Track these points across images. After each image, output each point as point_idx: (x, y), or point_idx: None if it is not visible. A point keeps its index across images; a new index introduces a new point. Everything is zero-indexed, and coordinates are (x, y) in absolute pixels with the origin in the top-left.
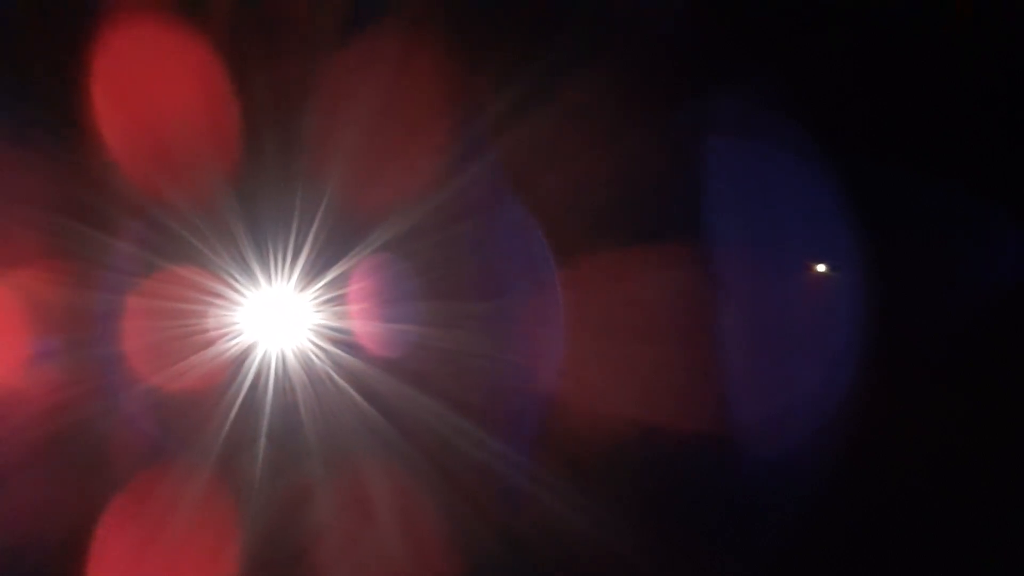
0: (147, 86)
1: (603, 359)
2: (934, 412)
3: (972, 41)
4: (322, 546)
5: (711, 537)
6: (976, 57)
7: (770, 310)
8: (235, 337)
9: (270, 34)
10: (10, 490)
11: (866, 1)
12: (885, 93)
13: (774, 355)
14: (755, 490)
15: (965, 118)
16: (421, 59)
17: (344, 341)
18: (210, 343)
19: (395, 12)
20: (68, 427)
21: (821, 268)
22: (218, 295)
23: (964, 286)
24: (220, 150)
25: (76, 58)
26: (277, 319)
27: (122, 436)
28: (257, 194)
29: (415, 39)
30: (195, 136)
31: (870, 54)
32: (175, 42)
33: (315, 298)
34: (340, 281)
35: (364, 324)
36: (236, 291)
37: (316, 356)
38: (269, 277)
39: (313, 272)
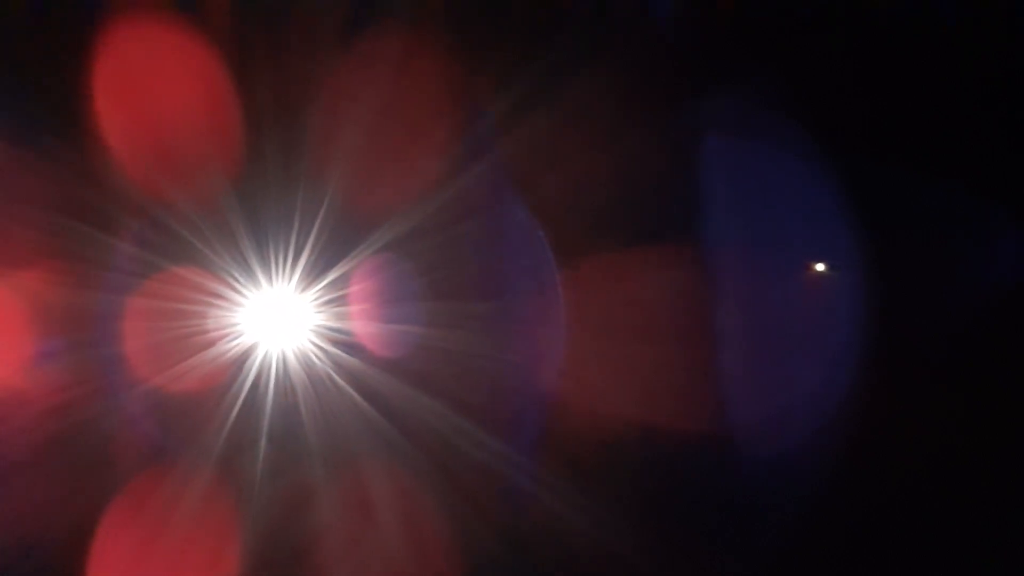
0: (148, 86)
1: (604, 359)
2: (934, 412)
3: (972, 41)
4: (323, 546)
5: (711, 537)
6: (976, 57)
7: (770, 310)
8: (236, 338)
9: (271, 35)
10: (12, 490)
11: (866, 1)
12: (885, 93)
13: (774, 355)
14: (755, 490)
15: (965, 118)
16: (422, 60)
17: (345, 342)
18: (211, 344)
19: (396, 13)
20: (69, 428)
21: (821, 268)
22: (219, 296)
23: (964, 286)
24: (221, 150)
25: (78, 58)
26: (278, 320)
27: (123, 437)
28: (258, 194)
29: (416, 40)
30: (196, 136)
31: (870, 54)
32: (177, 42)
33: (316, 299)
34: (341, 282)
35: (365, 325)
36: (237, 292)
37: (317, 357)
38: (270, 278)
39: (314, 273)
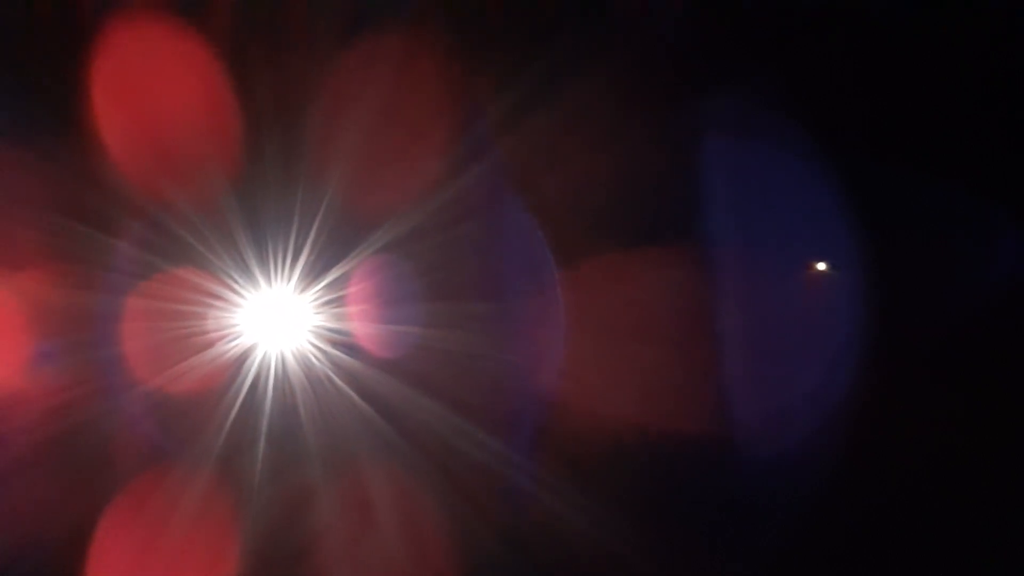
0: (148, 87)
1: (603, 360)
2: (934, 412)
3: (972, 41)
4: (323, 547)
5: (711, 537)
6: (976, 57)
7: (770, 310)
8: (235, 338)
9: (271, 35)
10: (12, 491)
11: (866, 1)
12: (885, 93)
13: (774, 355)
14: (755, 490)
15: (965, 118)
16: (422, 60)
17: (344, 342)
18: (210, 344)
19: (396, 14)
20: (69, 428)
21: (821, 268)
22: (218, 296)
23: (964, 286)
24: (220, 151)
25: (77, 59)
26: (277, 320)
27: (123, 437)
28: (257, 195)
29: (416, 41)
30: (195, 137)
31: (870, 54)
32: (175, 43)
33: (315, 299)
34: (340, 282)
35: (364, 325)
36: (236, 292)
37: (316, 357)
38: (269, 278)
39: (313, 273)
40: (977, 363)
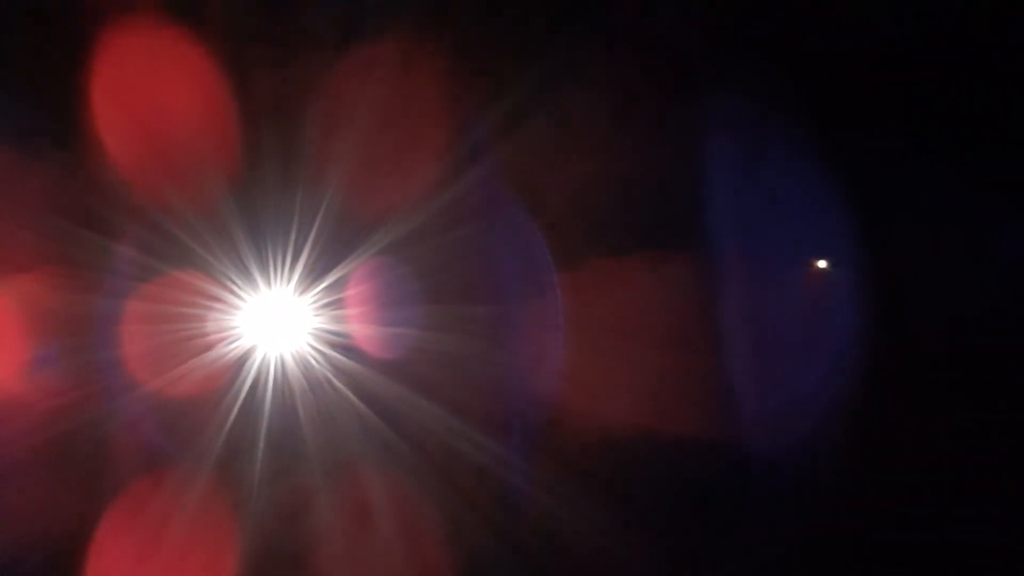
0: (147, 90)
1: (602, 361)
2: (935, 411)
3: (972, 40)
4: (321, 549)
5: (711, 539)
6: (976, 56)
7: (770, 310)
8: (234, 341)
9: (270, 39)
10: (11, 493)
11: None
12: (886, 92)
13: (774, 356)
14: (755, 491)
15: (966, 117)
16: (421, 63)
17: (343, 345)
18: (210, 347)
19: (395, 16)
20: (68, 431)
21: (822, 268)
22: (218, 299)
23: (965, 284)
24: (220, 154)
25: (76, 62)
26: (276, 323)
27: (123, 440)
28: (257, 198)
29: (415, 43)
30: (195, 140)
31: (870, 53)
32: (175, 47)
33: (314, 302)
34: (339, 285)
35: (363, 328)
36: (236, 295)
37: (315, 360)
38: (268, 281)
39: (312, 276)
40: (978, 361)
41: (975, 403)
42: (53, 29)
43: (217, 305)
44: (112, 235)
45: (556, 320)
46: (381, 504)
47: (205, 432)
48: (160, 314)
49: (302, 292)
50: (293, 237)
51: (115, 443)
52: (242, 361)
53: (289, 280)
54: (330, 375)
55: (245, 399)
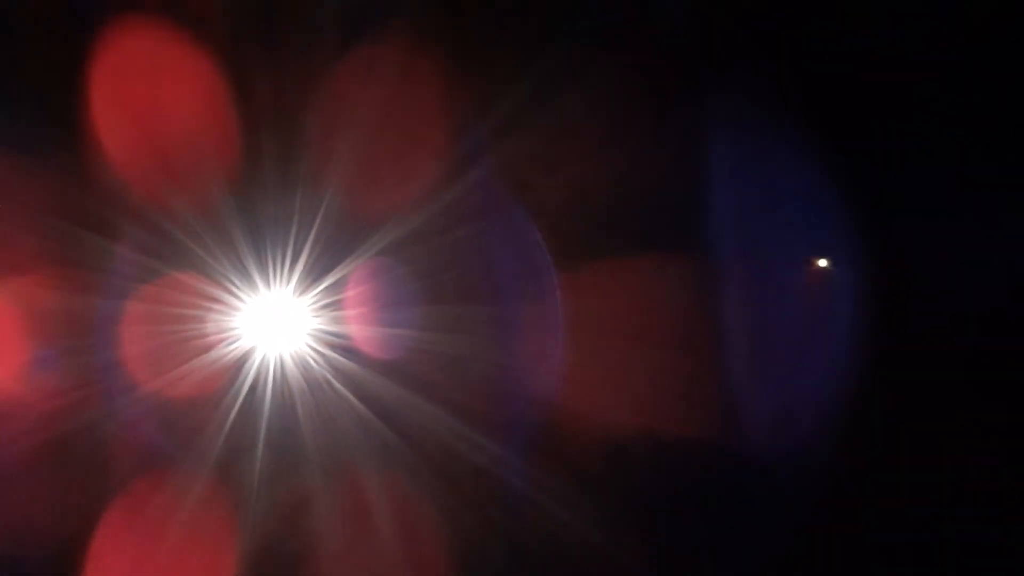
0: (147, 92)
1: (602, 362)
2: (934, 412)
3: (973, 40)
4: (321, 549)
5: (711, 539)
6: (977, 56)
7: (771, 311)
8: (234, 342)
9: (270, 40)
10: (11, 493)
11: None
12: (886, 92)
13: (774, 356)
14: (755, 491)
15: (966, 117)
16: (420, 64)
17: (342, 345)
18: (209, 348)
19: (394, 17)
20: (69, 432)
21: (822, 268)
22: (217, 300)
23: (966, 283)
24: (219, 156)
25: (77, 64)
26: (276, 323)
27: (122, 440)
28: (256, 199)
29: (414, 44)
30: (195, 142)
31: (871, 53)
32: (174, 48)
33: (313, 303)
34: (339, 286)
35: (362, 329)
36: (235, 296)
37: (314, 360)
38: (268, 282)
39: (312, 277)
40: (978, 361)
41: (975, 403)
42: (53, 31)
43: (217, 306)
44: (112, 236)
45: (555, 321)
46: (380, 504)
47: (205, 433)
48: (160, 315)
49: (301, 293)
50: (292, 238)
51: (115, 443)
52: (242, 362)
53: (288, 281)
54: (329, 376)
55: (245, 400)
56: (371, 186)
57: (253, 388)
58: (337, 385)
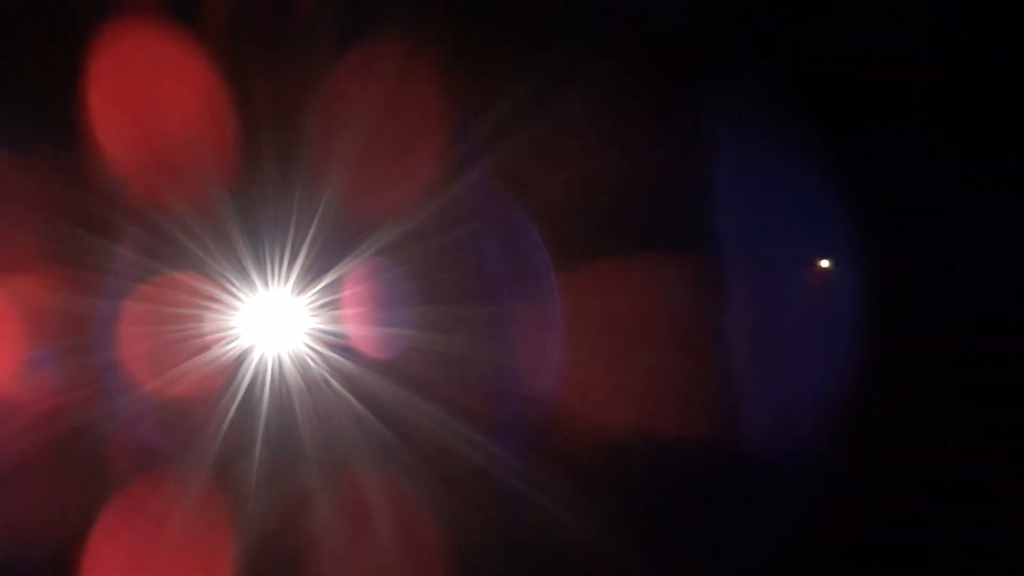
0: (144, 91)
1: (602, 362)
2: (935, 412)
3: (973, 39)
4: (319, 551)
5: (711, 539)
6: (977, 56)
7: (771, 311)
8: (232, 341)
9: (267, 39)
10: (9, 494)
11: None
12: (887, 92)
13: (775, 356)
14: (757, 493)
15: (967, 117)
16: (418, 63)
17: (341, 345)
18: (207, 347)
19: (392, 17)
20: (66, 431)
21: (823, 268)
22: (215, 299)
23: (967, 284)
24: (217, 154)
25: (74, 63)
26: (274, 323)
27: (120, 440)
28: (254, 198)
29: (412, 44)
30: (192, 141)
31: (872, 53)
32: (172, 47)
33: (312, 302)
34: (337, 285)
35: (361, 328)
36: (233, 295)
37: (313, 360)
38: (266, 281)
39: (310, 276)
40: (979, 362)
41: (976, 403)
42: (51, 29)
43: (215, 305)
44: (110, 236)
45: (554, 320)
46: (378, 504)
47: (203, 432)
48: (158, 314)
49: (299, 292)
50: (290, 237)
51: (113, 443)
52: (239, 361)
53: (286, 280)
54: (327, 375)
55: (243, 399)
56: (370, 185)
57: (251, 387)
58: (335, 384)
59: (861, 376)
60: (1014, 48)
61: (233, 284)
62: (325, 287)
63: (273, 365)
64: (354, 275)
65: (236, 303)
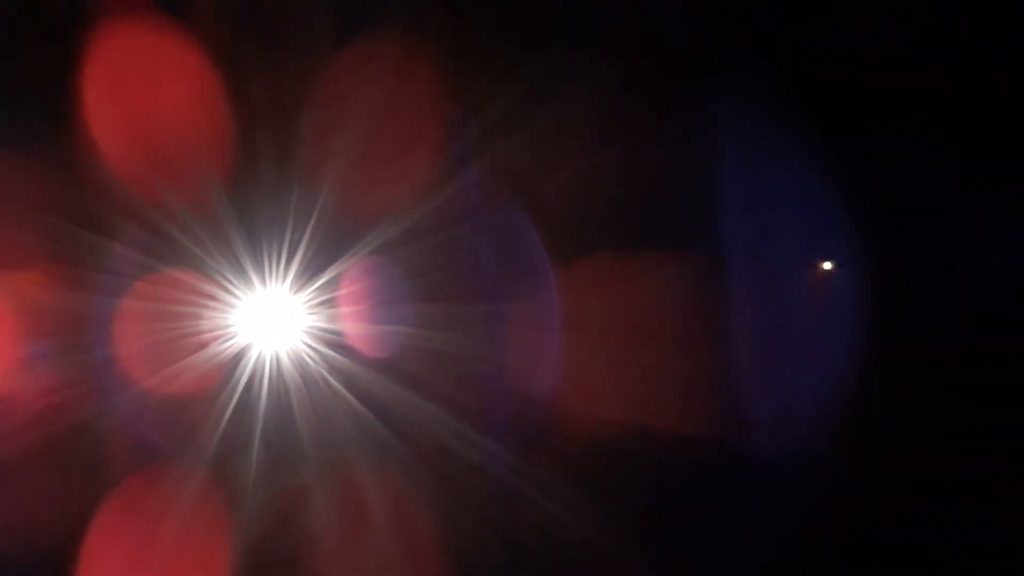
0: (142, 90)
1: (600, 361)
2: (935, 413)
3: (973, 39)
4: (317, 549)
5: (710, 539)
6: (977, 56)
7: (772, 311)
8: (230, 339)
9: (265, 37)
10: (6, 491)
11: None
12: (887, 93)
13: (776, 356)
14: (757, 493)
15: (967, 117)
16: (418, 61)
17: (338, 343)
18: (205, 345)
19: (390, 15)
20: (63, 430)
21: (823, 268)
22: (213, 297)
23: (967, 285)
24: (214, 153)
25: (72, 62)
26: (271, 321)
27: (117, 438)
28: (252, 197)
29: (410, 42)
30: (189, 139)
31: (872, 53)
32: (169, 46)
33: (309, 300)
34: (334, 283)
35: (359, 326)
36: (231, 293)
37: (310, 358)
38: (264, 279)
39: (308, 274)
40: (979, 362)
41: (975, 403)
42: (49, 28)
43: (212, 303)
44: (107, 233)
45: (553, 319)
46: (376, 502)
47: (200, 430)
48: (155, 312)
49: (297, 290)
50: (288, 235)
51: (111, 441)
52: (237, 359)
53: (284, 278)
54: (325, 373)
55: (240, 397)
56: (368, 184)
57: (249, 385)
58: (333, 382)
59: (861, 376)
60: (1014, 48)
61: (231, 282)
62: (322, 285)
63: (271, 363)
64: (351, 273)
65: (234, 301)
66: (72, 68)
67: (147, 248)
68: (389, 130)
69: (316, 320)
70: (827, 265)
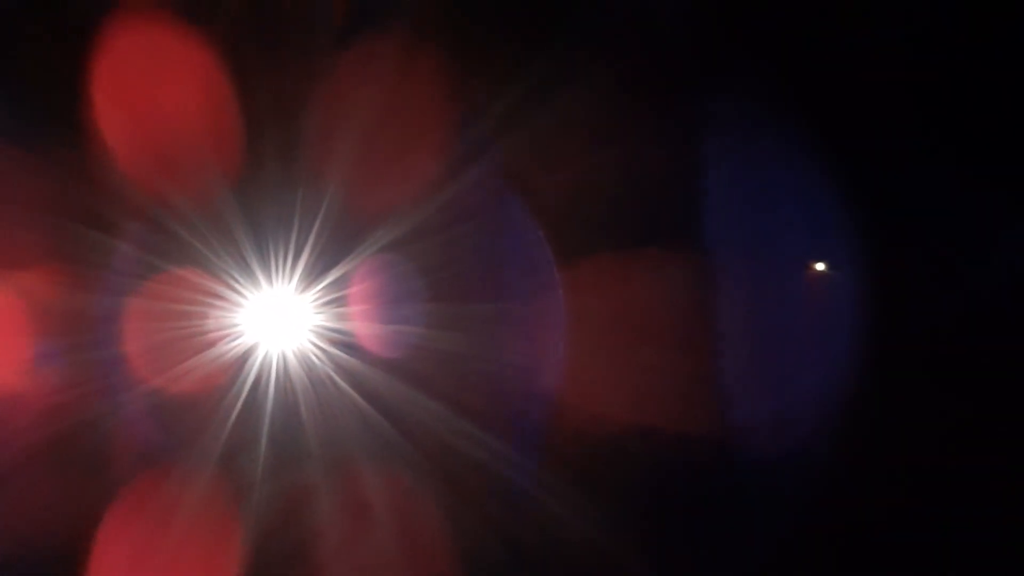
0: (148, 88)
1: (604, 360)
2: (935, 413)
3: (973, 39)
4: (323, 548)
5: (712, 540)
6: (977, 56)
7: (771, 311)
8: (236, 339)
9: (271, 36)
10: (11, 491)
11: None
12: (887, 93)
13: (775, 357)
14: (757, 493)
15: (967, 117)
16: (422, 61)
17: (345, 342)
18: (211, 345)
19: (395, 14)
20: (69, 429)
21: (822, 269)
22: (219, 296)
23: (965, 286)
24: (221, 152)
25: (77, 61)
26: (278, 320)
27: (123, 438)
28: (258, 195)
29: (416, 41)
30: (196, 138)
31: (872, 53)
32: (176, 45)
33: (316, 299)
34: (341, 282)
35: (365, 326)
36: (237, 292)
37: (317, 357)
38: (270, 278)
39: (314, 273)
40: (978, 363)
41: (975, 403)
42: (53, 27)
43: (219, 302)
44: (113, 233)
45: (558, 318)
46: (382, 501)
47: (207, 430)
48: (161, 311)
49: (304, 289)
50: (295, 234)
51: (116, 440)
52: (244, 359)
53: (291, 277)
54: (332, 373)
55: (247, 396)
56: (374, 183)
57: (255, 385)
58: (340, 382)
59: (861, 376)
60: (1014, 48)
61: (237, 281)
62: (329, 284)
63: (277, 362)
64: (358, 272)
65: (240, 300)
66: (78, 67)
67: (153, 247)
68: (393, 130)
69: (322, 319)
70: (827, 265)
